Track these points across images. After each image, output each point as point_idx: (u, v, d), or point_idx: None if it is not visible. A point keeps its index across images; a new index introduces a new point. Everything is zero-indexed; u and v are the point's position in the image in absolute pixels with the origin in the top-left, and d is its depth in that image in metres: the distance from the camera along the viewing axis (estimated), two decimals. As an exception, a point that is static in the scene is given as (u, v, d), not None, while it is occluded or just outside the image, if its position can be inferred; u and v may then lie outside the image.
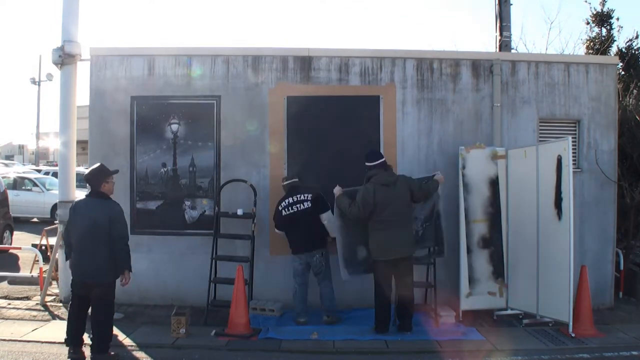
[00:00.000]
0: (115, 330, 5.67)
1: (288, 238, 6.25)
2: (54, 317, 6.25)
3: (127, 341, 5.47)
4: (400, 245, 5.66)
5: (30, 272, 7.77)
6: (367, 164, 5.90)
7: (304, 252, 6.10)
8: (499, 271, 6.42)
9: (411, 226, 5.88)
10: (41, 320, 6.08)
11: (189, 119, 6.90)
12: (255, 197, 6.46)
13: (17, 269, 8.85)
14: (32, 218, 14.98)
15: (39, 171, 20.55)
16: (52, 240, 8.06)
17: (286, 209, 6.16)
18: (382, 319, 5.78)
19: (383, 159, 5.94)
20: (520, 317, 6.32)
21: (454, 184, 6.67)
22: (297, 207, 6.12)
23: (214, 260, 6.31)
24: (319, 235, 6.15)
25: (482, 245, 6.47)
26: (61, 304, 6.72)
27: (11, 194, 12.39)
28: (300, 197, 6.15)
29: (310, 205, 6.10)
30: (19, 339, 5.40)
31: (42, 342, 5.32)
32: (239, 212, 6.51)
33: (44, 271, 7.03)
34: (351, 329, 5.87)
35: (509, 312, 6.45)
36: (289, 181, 6.32)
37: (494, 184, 6.50)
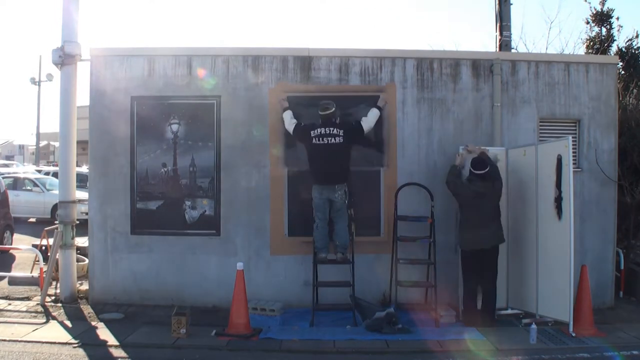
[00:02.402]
0: (116, 330, 5.72)
1: (312, 167, 6.30)
2: (55, 317, 6.24)
3: (127, 341, 5.47)
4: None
5: (31, 273, 7.77)
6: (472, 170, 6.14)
7: (329, 184, 6.17)
8: None
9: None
10: (41, 321, 6.07)
11: (189, 119, 6.90)
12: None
13: (13, 270, 8.80)
14: (29, 218, 14.96)
15: (39, 171, 20.54)
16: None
17: (317, 139, 6.21)
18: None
19: (486, 170, 6.07)
20: (521, 316, 6.32)
21: (454, 183, 6.68)
22: (329, 140, 6.16)
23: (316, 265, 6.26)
24: (346, 172, 6.25)
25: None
26: (61, 304, 6.73)
27: (11, 194, 12.39)
28: (333, 131, 6.19)
29: (342, 140, 6.17)
30: (20, 339, 5.40)
31: (43, 342, 5.32)
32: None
33: (44, 271, 7.02)
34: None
35: (509, 311, 6.46)
36: (326, 112, 6.31)
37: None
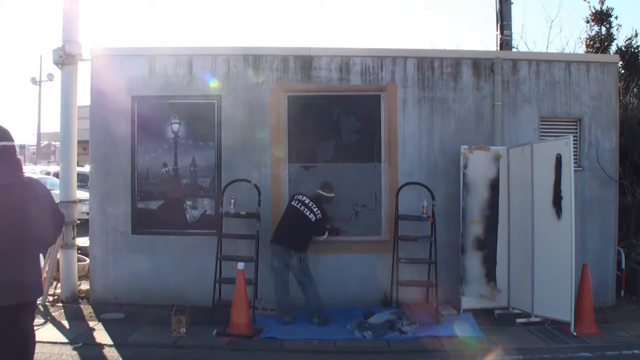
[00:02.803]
0: (117, 330, 5.71)
1: (279, 225, 6.29)
2: (55, 317, 6.25)
3: (128, 341, 5.47)
4: None
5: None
6: None
7: (287, 248, 6.10)
8: (491, 274, 6.40)
9: None
10: (42, 321, 6.06)
11: (189, 118, 6.90)
12: (259, 197, 6.45)
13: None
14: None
15: (47, 173, 20.22)
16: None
17: (297, 202, 6.22)
18: None
19: None
20: (523, 316, 6.32)
21: (455, 182, 6.69)
22: (304, 210, 6.15)
23: (219, 260, 6.30)
24: (305, 243, 6.17)
25: (476, 247, 6.49)
26: (62, 304, 6.73)
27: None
28: (313, 207, 6.18)
29: (314, 220, 6.15)
30: (21, 339, 5.39)
31: (44, 342, 5.31)
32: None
33: (45, 271, 7.02)
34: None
35: (511, 311, 6.45)
36: (318, 191, 6.36)
37: (494, 186, 6.49)
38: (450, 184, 6.79)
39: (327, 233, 6.37)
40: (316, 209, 6.20)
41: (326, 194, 6.38)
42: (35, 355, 4.93)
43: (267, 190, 6.77)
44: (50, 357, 4.97)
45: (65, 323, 6.04)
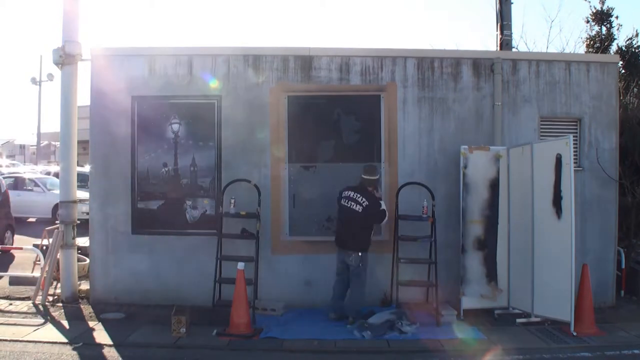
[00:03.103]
0: (117, 330, 5.71)
1: (336, 229, 6.37)
2: (56, 317, 6.24)
3: (128, 341, 5.46)
4: None
5: (32, 273, 7.77)
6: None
7: (344, 249, 6.14)
8: (492, 274, 6.40)
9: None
10: (42, 321, 6.07)
11: (190, 118, 6.89)
12: (259, 197, 6.45)
13: (13, 270, 8.77)
14: (28, 218, 14.97)
15: (47, 173, 20.24)
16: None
17: (345, 200, 6.20)
18: None
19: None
20: (523, 316, 6.31)
21: (455, 182, 6.69)
22: (351, 205, 6.12)
23: (219, 260, 6.30)
24: (360, 239, 6.13)
25: (476, 247, 6.49)
26: (62, 304, 6.73)
27: (12, 194, 12.39)
28: (359, 198, 6.12)
29: (361, 210, 6.08)
30: (21, 339, 5.40)
31: (44, 342, 5.33)
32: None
33: (45, 271, 7.02)
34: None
35: (511, 311, 6.45)
36: (362, 176, 6.27)
37: (494, 186, 6.49)
38: (450, 184, 6.79)
39: (386, 216, 6.22)
40: (361, 198, 6.09)
41: (369, 177, 6.24)
42: (36, 355, 4.98)
43: (267, 190, 6.77)
44: (50, 357, 4.97)
45: (65, 323, 6.04)
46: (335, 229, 6.37)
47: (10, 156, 41.97)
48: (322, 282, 6.49)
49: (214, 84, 6.87)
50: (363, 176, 6.24)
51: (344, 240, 6.15)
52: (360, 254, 6.07)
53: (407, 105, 6.93)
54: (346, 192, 6.22)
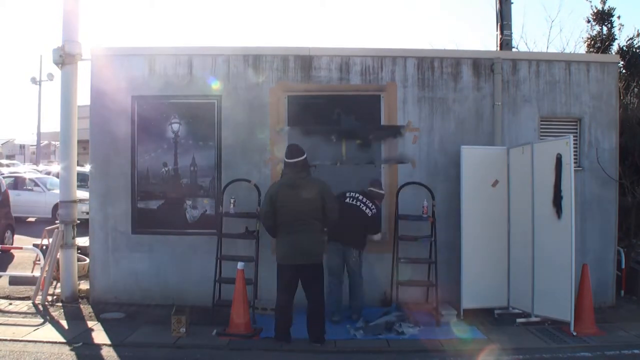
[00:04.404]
0: (117, 330, 5.71)
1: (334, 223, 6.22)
2: (55, 317, 6.24)
3: (128, 341, 5.46)
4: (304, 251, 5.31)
5: (32, 272, 7.78)
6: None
7: (346, 246, 6.15)
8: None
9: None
10: (42, 320, 6.07)
11: (189, 118, 6.89)
12: (259, 197, 6.45)
13: (12, 270, 8.78)
14: (28, 218, 14.98)
15: (47, 173, 20.23)
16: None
17: (351, 199, 6.23)
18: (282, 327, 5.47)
19: (301, 158, 5.40)
20: (523, 316, 6.31)
21: (455, 182, 6.68)
22: (360, 205, 6.19)
23: (218, 260, 6.29)
24: (364, 239, 6.25)
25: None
26: (62, 304, 6.73)
27: (12, 194, 12.40)
28: (367, 202, 6.23)
29: (370, 215, 6.21)
30: (21, 339, 5.40)
31: (44, 342, 5.32)
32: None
33: (45, 271, 7.02)
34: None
35: (510, 310, 6.45)
36: (369, 189, 6.36)
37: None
38: (450, 183, 6.79)
39: (380, 232, 6.43)
40: (371, 204, 6.23)
41: (378, 190, 6.38)
42: (36, 355, 4.97)
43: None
44: (49, 357, 4.96)
45: (65, 323, 6.04)
46: (333, 225, 6.16)
47: (10, 156, 42.00)
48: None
49: (214, 84, 6.86)
50: (372, 189, 6.36)
51: (348, 238, 6.15)
52: (359, 252, 6.19)
53: (407, 105, 6.93)
54: (353, 193, 6.29)
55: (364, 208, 6.21)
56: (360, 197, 6.26)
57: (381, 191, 6.44)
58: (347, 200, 6.24)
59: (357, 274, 6.22)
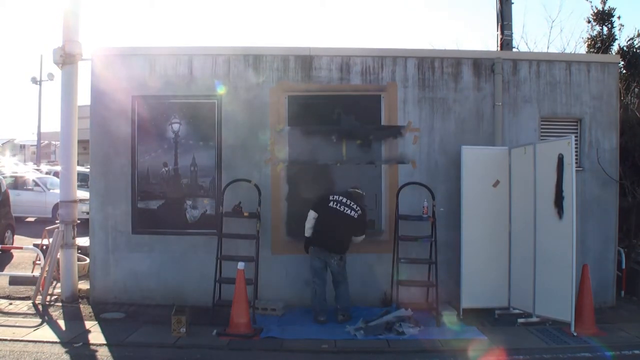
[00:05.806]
0: (117, 330, 5.71)
1: (316, 229, 6.21)
2: (55, 317, 6.24)
3: (128, 340, 5.46)
4: None
5: (32, 272, 7.78)
6: None
7: (328, 251, 6.13)
8: None
9: None
10: (42, 321, 6.07)
11: (190, 118, 6.89)
12: (259, 197, 6.45)
13: (12, 270, 8.77)
14: (28, 217, 14.98)
15: (47, 173, 20.24)
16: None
17: (335, 203, 6.19)
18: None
19: None
20: (523, 316, 6.31)
21: (455, 182, 6.68)
22: (344, 210, 6.15)
23: (219, 260, 6.29)
24: (347, 243, 6.23)
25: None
26: (62, 304, 6.73)
27: (12, 194, 12.39)
28: (352, 205, 6.19)
29: (356, 217, 6.18)
30: (21, 338, 5.40)
31: (44, 342, 5.32)
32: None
33: (45, 271, 7.02)
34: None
35: (511, 311, 6.45)
36: (351, 189, 6.35)
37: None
38: (451, 184, 6.78)
39: (365, 235, 6.38)
40: (355, 205, 6.21)
41: (359, 191, 6.38)
42: (36, 355, 4.97)
43: (267, 190, 6.76)
44: (50, 357, 4.96)
45: (65, 323, 6.03)
46: (316, 230, 6.22)
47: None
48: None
49: (214, 84, 6.84)
50: (352, 189, 6.35)
51: (331, 244, 6.14)
52: (342, 256, 6.19)
53: (407, 105, 6.93)
54: (335, 197, 6.24)
55: (349, 212, 6.16)
56: (344, 200, 6.20)
57: (361, 192, 6.39)
58: (331, 204, 6.20)
59: (341, 275, 6.22)
